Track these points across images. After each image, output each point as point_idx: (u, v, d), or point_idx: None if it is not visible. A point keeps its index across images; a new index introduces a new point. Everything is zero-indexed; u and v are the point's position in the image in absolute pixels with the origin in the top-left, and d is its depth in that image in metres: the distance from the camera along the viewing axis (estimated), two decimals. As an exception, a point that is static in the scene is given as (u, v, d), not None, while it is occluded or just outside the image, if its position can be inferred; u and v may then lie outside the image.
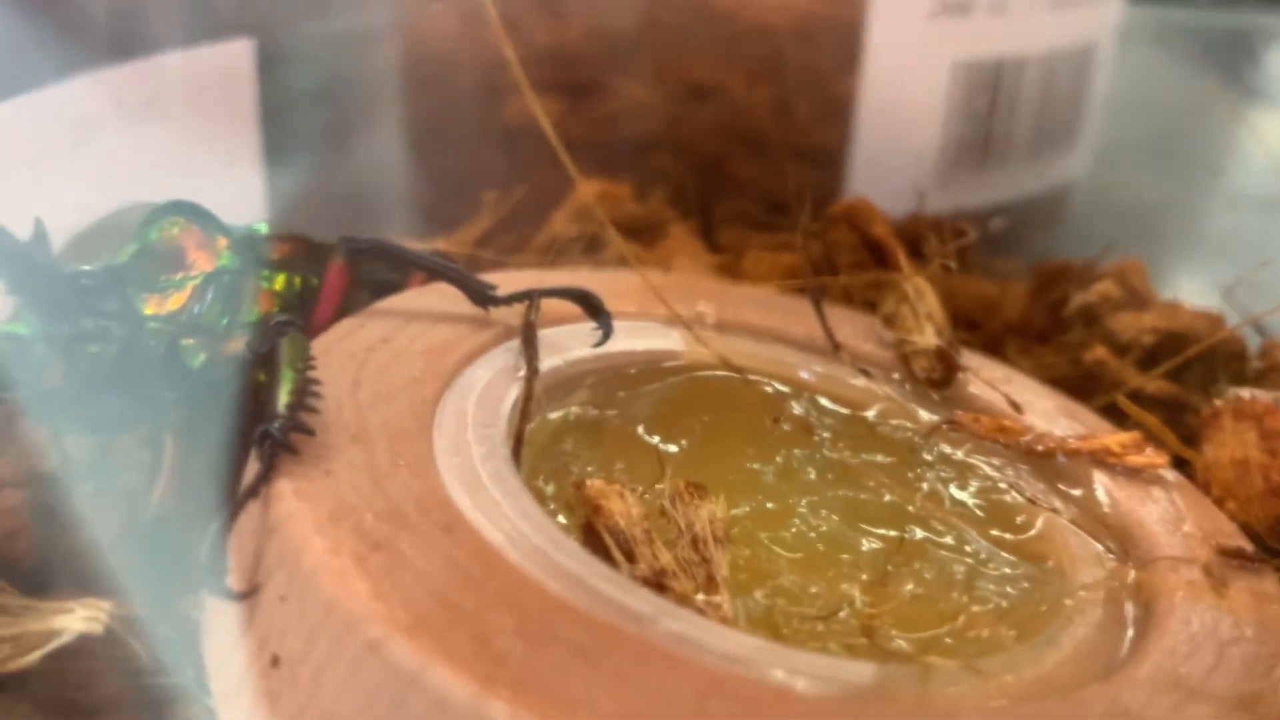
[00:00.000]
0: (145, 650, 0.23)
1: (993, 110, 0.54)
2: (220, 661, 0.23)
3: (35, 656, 0.23)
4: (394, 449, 0.24)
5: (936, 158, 0.54)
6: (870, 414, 0.32)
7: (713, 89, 0.56)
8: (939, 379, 0.32)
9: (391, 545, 0.21)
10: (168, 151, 0.37)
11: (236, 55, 0.38)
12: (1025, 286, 0.42)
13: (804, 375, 0.32)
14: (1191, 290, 0.43)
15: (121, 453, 0.28)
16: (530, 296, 0.30)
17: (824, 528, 0.27)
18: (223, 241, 0.27)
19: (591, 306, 0.30)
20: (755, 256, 0.41)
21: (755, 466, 0.29)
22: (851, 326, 0.34)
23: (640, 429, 0.29)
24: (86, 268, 0.25)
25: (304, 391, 0.23)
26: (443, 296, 0.31)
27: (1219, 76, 0.65)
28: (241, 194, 0.40)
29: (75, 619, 0.23)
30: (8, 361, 0.25)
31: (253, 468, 0.23)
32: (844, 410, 0.32)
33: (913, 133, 0.54)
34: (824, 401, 0.32)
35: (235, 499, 0.22)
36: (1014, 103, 0.55)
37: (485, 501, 0.23)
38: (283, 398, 0.23)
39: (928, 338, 0.32)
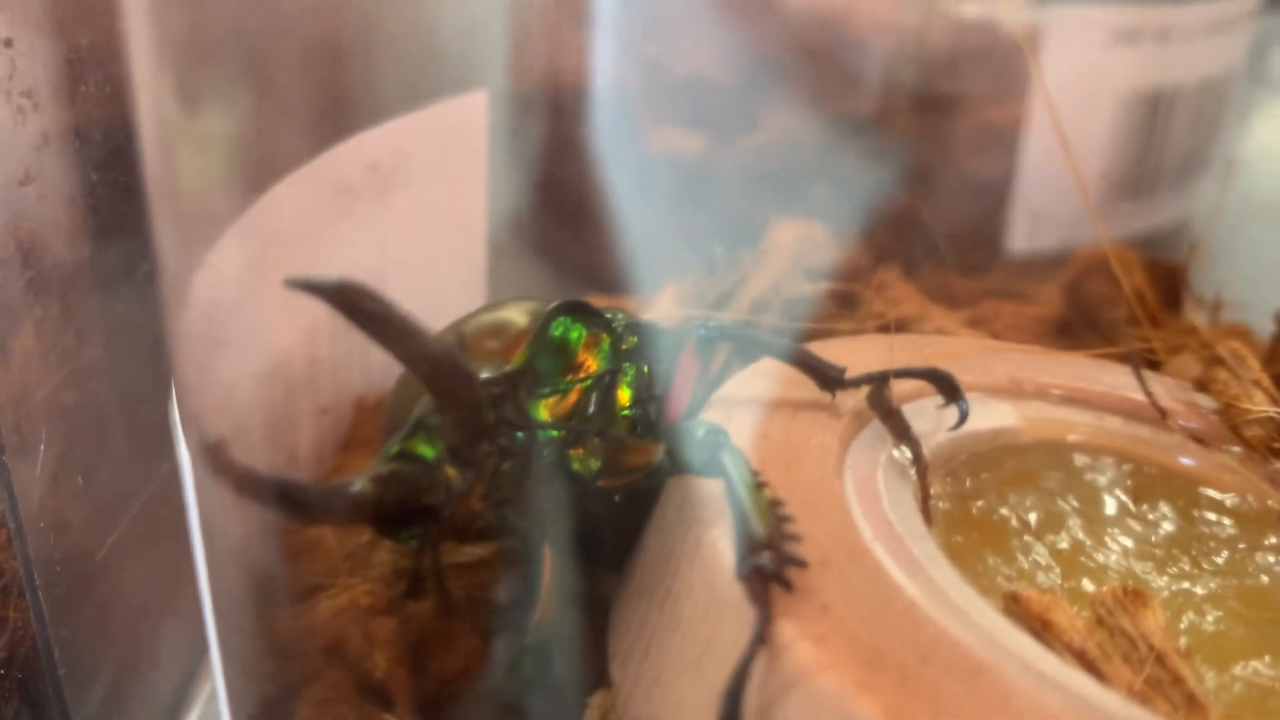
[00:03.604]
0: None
1: (1149, 139, 0.54)
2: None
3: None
4: (860, 572, 0.22)
5: (1096, 187, 0.53)
6: (1219, 489, 0.30)
7: (868, 119, 0.54)
8: (1278, 448, 0.31)
9: (948, 701, 0.19)
10: (410, 214, 0.35)
11: (471, 109, 0.36)
12: (1255, 333, 0.41)
13: (1142, 448, 0.31)
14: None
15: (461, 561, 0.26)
16: (882, 379, 0.28)
17: (1240, 624, 0.26)
18: (606, 339, 0.25)
19: (949, 388, 0.28)
20: (994, 308, 0.40)
21: (1138, 559, 0.27)
22: (1162, 390, 0.33)
23: (1013, 520, 0.28)
24: (488, 374, 0.23)
25: (778, 516, 0.21)
26: (775, 379, 0.29)
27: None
28: (468, 254, 0.38)
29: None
30: (414, 487, 0.22)
31: (728, 604, 0.21)
32: (1197, 487, 0.30)
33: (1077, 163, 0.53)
34: (1174, 478, 0.30)
35: (746, 650, 0.20)
36: (1167, 131, 0.54)
37: (982, 636, 0.21)
38: (759, 524, 0.21)
39: (1263, 405, 0.31)
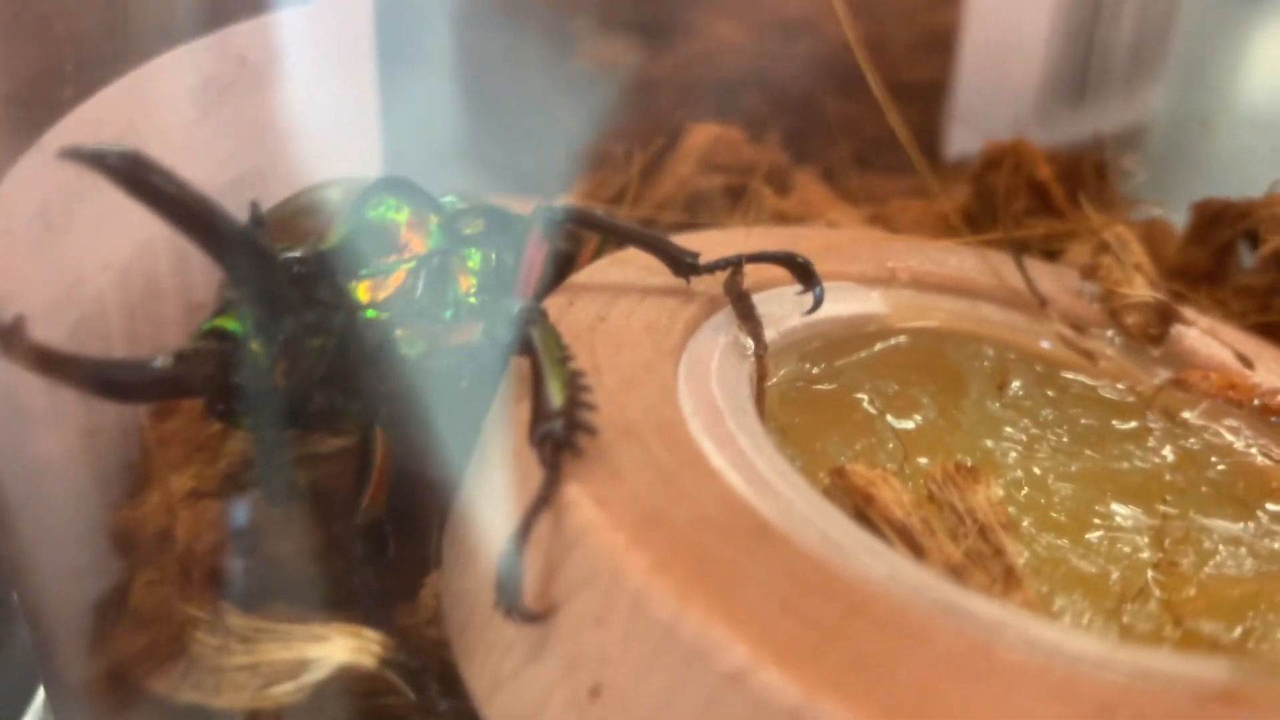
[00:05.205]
0: (405, 682, 0.21)
1: (1092, 42, 0.53)
2: (493, 687, 0.21)
3: (288, 689, 0.21)
4: (666, 443, 0.22)
5: (1035, 92, 0.52)
6: (1089, 375, 0.30)
7: (803, 25, 0.53)
8: (1155, 334, 0.30)
9: (718, 556, 0.19)
10: (292, 110, 0.34)
11: (355, 6, 0.35)
12: (1174, 227, 0.40)
13: (1014, 335, 0.30)
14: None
15: (325, 452, 0.26)
16: (736, 263, 0.28)
17: (1081, 503, 0.26)
18: (434, 220, 0.25)
19: (804, 272, 0.28)
20: (901, 205, 0.39)
21: (989, 441, 0.27)
22: (1048, 278, 0.32)
23: (865, 401, 0.27)
24: (297, 254, 0.23)
25: (577, 386, 0.21)
26: (634, 266, 0.29)
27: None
28: (361, 151, 0.37)
29: (335, 648, 0.21)
30: (221, 363, 0.22)
31: (529, 472, 0.21)
32: (1063, 372, 0.30)
33: (1015, 66, 0.52)
34: (1040, 363, 0.30)
35: (527, 509, 0.20)
36: (1112, 34, 0.53)
37: (778, 501, 0.21)
38: (555, 394, 0.21)
39: (1142, 291, 0.30)
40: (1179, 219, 0.40)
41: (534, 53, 0.52)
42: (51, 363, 0.20)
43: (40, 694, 0.32)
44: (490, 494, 0.22)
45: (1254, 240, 0.39)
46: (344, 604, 0.24)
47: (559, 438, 0.20)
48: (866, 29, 0.52)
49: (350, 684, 0.21)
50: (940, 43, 0.52)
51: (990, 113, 0.52)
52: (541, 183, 0.43)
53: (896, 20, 0.52)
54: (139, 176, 0.19)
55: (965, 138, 0.52)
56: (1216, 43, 0.65)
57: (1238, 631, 0.22)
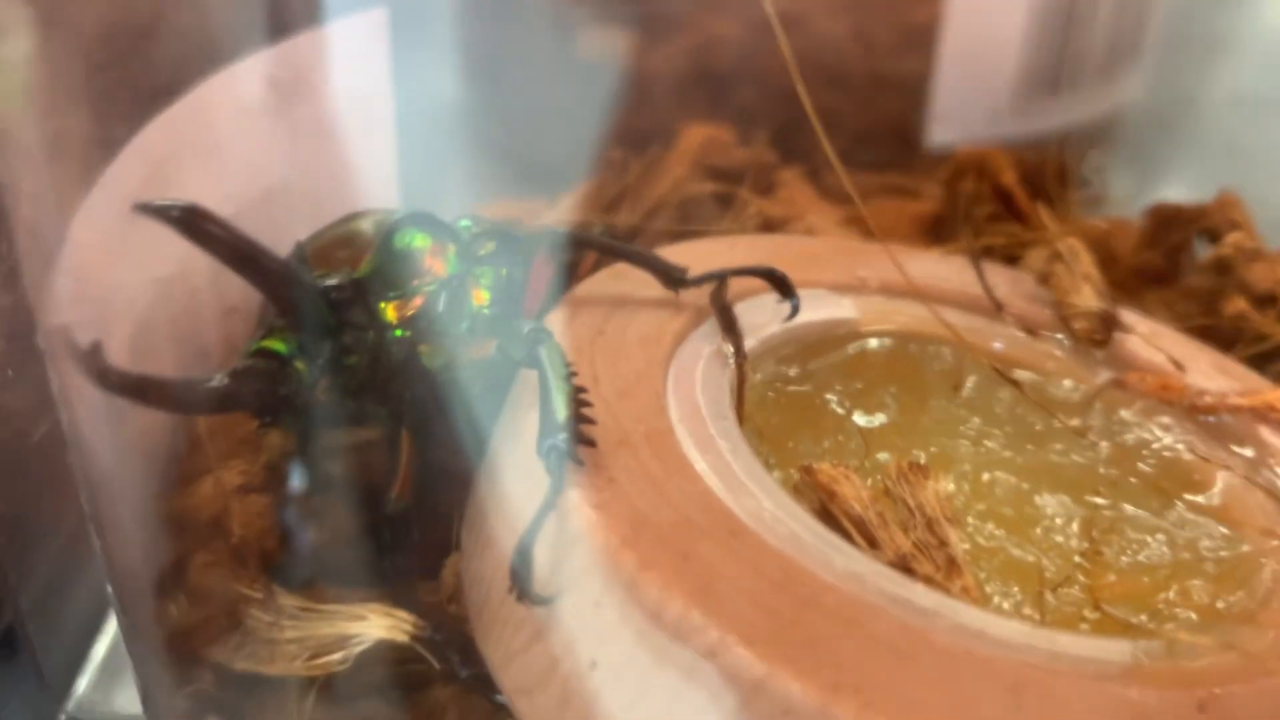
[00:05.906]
0: (431, 653, 0.25)
1: (1068, 34, 0.55)
2: (507, 659, 0.25)
3: (336, 659, 0.24)
4: (656, 451, 0.25)
5: (1013, 85, 0.55)
6: (1039, 375, 0.33)
7: (792, 20, 0.56)
8: (1100, 339, 0.34)
9: (696, 554, 0.22)
10: (315, 126, 0.37)
11: (372, 26, 0.38)
12: (1138, 228, 0.43)
13: (972, 337, 0.34)
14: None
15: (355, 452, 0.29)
16: (720, 277, 0.31)
17: (1021, 495, 0.29)
18: (452, 248, 0.28)
19: (782, 285, 0.31)
20: (878, 206, 0.42)
21: (944, 437, 0.31)
22: (1006, 284, 0.36)
23: (833, 402, 0.31)
24: (335, 281, 0.26)
25: (578, 402, 0.25)
26: (628, 279, 0.32)
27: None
28: (377, 165, 0.40)
29: (373, 626, 0.24)
30: (269, 380, 0.25)
31: (536, 477, 0.24)
32: (1014, 372, 0.33)
33: (993, 60, 0.54)
34: (995, 363, 0.33)
35: (536, 513, 0.23)
36: (1090, 26, 0.55)
37: (752, 503, 0.25)
38: (560, 409, 0.24)
39: (1088, 299, 0.34)
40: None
41: (529, 48, 0.55)
42: (133, 387, 0.24)
43: (99, 650, 0.36)
44: (503, 493, 0.26)
45: (1213, 237, 0.42)
46: (376, 583, 0.27)
47: (562, 450, 0.24)
48: (852, 24, 0.55)
49: (385, 654, 0.24)
50: (924, 37, 0.54)
51: (969, 102, 0.54)
52: (542, 177, 0.46)
53: (881, 15, 0.55)
54: (198, 226, 0.22)
55: (945, 129, 0.54)
56: (1197, 20, 0.67)
57: (1148, 614, 0.26)
